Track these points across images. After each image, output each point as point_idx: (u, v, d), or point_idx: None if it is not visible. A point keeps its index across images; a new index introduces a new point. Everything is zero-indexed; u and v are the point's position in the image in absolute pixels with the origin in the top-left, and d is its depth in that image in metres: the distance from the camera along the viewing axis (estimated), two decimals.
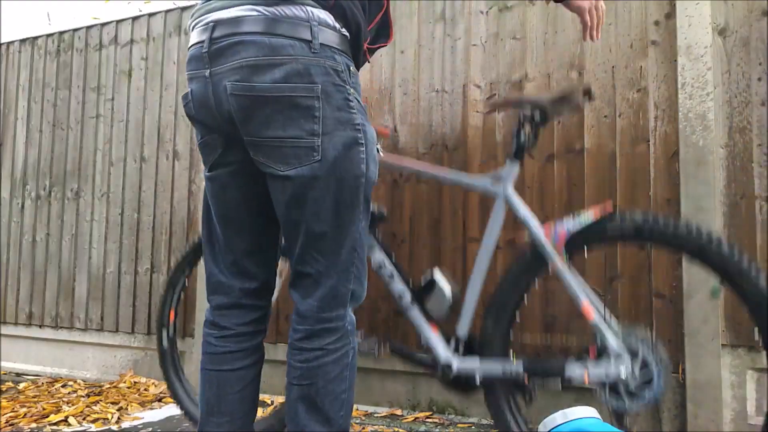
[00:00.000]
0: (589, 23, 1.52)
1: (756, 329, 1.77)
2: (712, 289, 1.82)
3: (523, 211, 1.60)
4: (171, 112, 2.91)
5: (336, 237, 1.17)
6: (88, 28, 3.21)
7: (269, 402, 2.40)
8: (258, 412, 1.35)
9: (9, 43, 3.48)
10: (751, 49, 1.90)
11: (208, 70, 1.16)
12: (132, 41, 3.07)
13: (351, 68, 1.20)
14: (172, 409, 2.35)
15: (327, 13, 1.17)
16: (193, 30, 1.21)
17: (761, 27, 1.89)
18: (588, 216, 1.53)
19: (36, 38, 3.38)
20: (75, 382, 2.86)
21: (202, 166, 1.32)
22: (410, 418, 2.18)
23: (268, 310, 1.34)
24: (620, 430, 1.31)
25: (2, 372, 3.10)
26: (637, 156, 2.02)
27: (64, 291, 3.10)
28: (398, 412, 2.25)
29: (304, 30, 1.13)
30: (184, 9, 2.97)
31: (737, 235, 1.88)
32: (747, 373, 1.84)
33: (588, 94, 1.60)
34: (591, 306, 1.50)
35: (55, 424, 2.17)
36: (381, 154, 1.24)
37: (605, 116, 2.08)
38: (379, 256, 1.76)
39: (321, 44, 1.14)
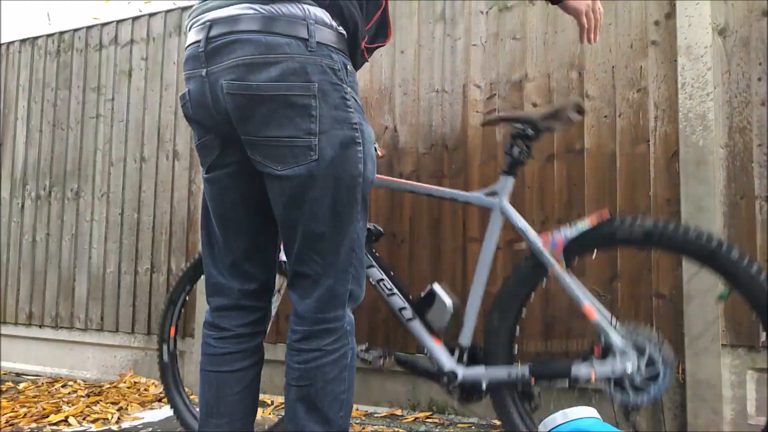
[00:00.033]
0: (585, 26, 1.52)
1: (765, 333, 1.78)
2: (720, 293, 1.83)
3: (521, 222, 1.63)
4: (171, 112, 2.91)
5: (334, 237, 1.17)
6: (88, 28, 3.21)
7: (269, 402, 2.40)
8: (258, 412, 1.35)
9: (9, 43, 3.48)
10: (751, 49, 1.90)
11: (205, 70, 1.15)
12: (132, 41, 3.07)
13: (348, 67, 1.19)
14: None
15: (324, 11, 1.16)
16: (190, 30, 1.21)
17: (761, 27, 1.89)
18: (585, 223, 1.55)
19: (36, 38, 3.38)
20: (75, 382, 2.86)
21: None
22: (410, 418, 2.18)
23: (268, 312, 1.34)
24: (620, 431, 1.31)
25: (2, 372, 3.10)
26: (637, 156, 2.02)
27: (64, 291, 3.10)
28: (398, 412, 2.25)
29: (300, 28, 1.12)
30: (184, 9, 2.97)
31: (737, 235, 1.87)
32: (747, 373, 1.84)
33: (579, 109, 1.62)
34: (592, 307, 1.52)
35: (55, 424, 2.17)
36: (379, 152, 1.24)
37: (605, 116, 2.08)
38: (377, 273, 1.75)
39: (318, 42, 1.13)
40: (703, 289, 1.85)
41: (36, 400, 2.49)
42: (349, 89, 1.17)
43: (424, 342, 1.70)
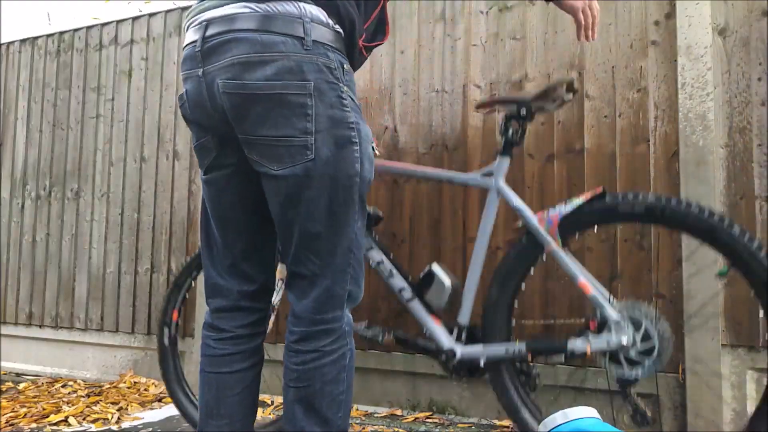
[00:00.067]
0: (583, 22, 1.52)
1: (762, 312, 1.78)
2: (719, 270, 1.82)
3: (516, 201, 1.66)
4: (171, 112, 2.91)
5: (331, 237, 1.17)
6: (88, 28, 3.21)
7: (269, 402, 2.40)
8: (258, 412, 1.34)
9: (9, 43, 3.48)
10: (751, 49, 1.90)
11: (201, 69, 1.15)
12: (132, 41, 3.07)
13: (345, 66, 1.19)
14: (172, 409, 2.35)
15: (320, 9, 1.16)
16: (187, 30, 1.21)
17: (761, 27, 1.89)
18: (579, 199, 1.58)
19: (36, 38, 3.38)
20: (75, 382, 2.86)
21: None
22: (410, 418, 2.18)
23: (267, 312, 1.34)
24: (620, 431, 1.31)
25: (2, 372, 3.10)
26: (637, 156, 2.02)
27: (64, 291, 3.10)
28: (398, 412, 2.25)
29: (296, 27, 1.12)
30: (184, 9, 2.97)
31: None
32: (747, 373, 1.84)
33: (570, 87, 1.64)
34: (587, 282, 1.55)
35: (55, 424, 2.17)
36: (377, 152, 1.25)
37: (605, 116, 2.08)
38: (377, 255, 1.78)
39: (314, 41, 1.13)
40: (703, 289, 1.85)
41: (36, 400, 2.49)
42: (345, 88, 1.17)
43: (424, 321, 1.73)
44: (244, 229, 1.27)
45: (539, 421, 1.64)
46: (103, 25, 3.17)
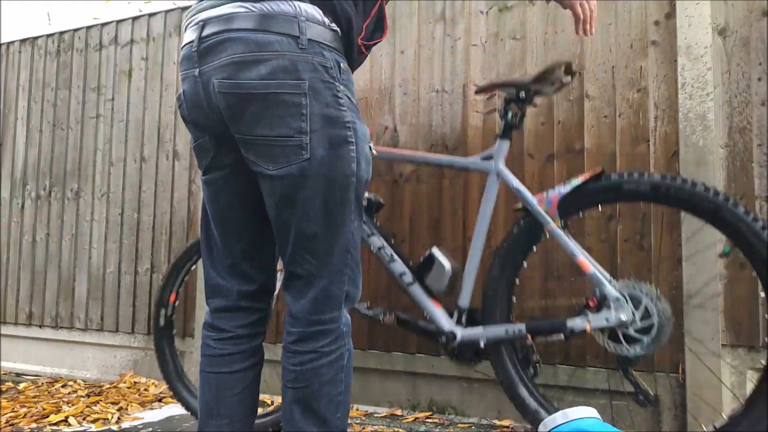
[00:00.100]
0: (581, 16, 1.52)
1: (762, 295, 1.79)
2: (722, 250, 1.83)
3: (516, 182, 1.69)
4: (171, 112, 2.91)
5: (327, 237, 1.16)
6: (88, 28, 3.21)
7: (269, 402, 2.40)
8: (258, 412, 1.34)
9: (9, 43, 3.48)
10: (751, 49, 1.90)
11: (198, 69, 1.15)
12: (132, 41, 3.07)
13: (342, 65, 1.18)
14: (172, 409, 2.35)
15: (315, 8, 1.16)
16: (186, 30, 1.21)
17: (761, 27, 1.89)
18: (578, 179, 1.61)
19: (36, 38, 3.38)
20: (75, 382, 2.86)
21: None
22: (410, 418, 2.18)
23: (267, 313, 1.34)
24: (620, 431, 1.31)
25: (2, 372, 3.10)
26: (637, 156, 2.02)
27: (64, 291, 3.10)
28: (398, 412, 2.25)
29: (291, 26, 1.12)
30: (184, 9, 2.97)
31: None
32: (747, 373, 1.84)
33: (568, 70, 1.65)
34: (586, 260, 1.58)
35: (55, 424, 2.17)
36: (374, 152, 1.26)
37: (605, 116, 2.07)
38: (378, 241, 1.81)
39: (309, 40, 1.13)
40: (703, 289, 1.85)
41: (36, 400, 2.49)
42: (342, 87, 1.17)
43: (424, 305, 1.76)
44: (243, 229, 1.27)
45: (536, 399, 1.67)
46: (103, 25, 3.17)
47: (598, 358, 2.00)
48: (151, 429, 2.12)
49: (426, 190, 2.32)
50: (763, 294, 1.82)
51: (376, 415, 2.22)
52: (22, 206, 3.29)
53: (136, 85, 3.03)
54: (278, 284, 1.80)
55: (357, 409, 2.29)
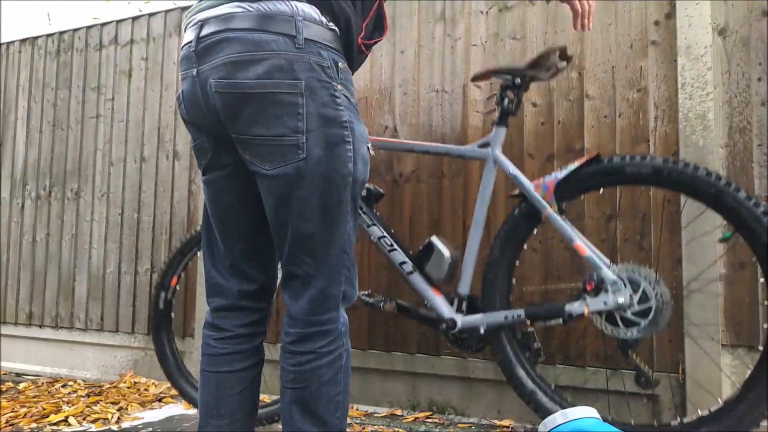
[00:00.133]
0: (579, 11, 1.52)
1: (761, 281, 1.80)
2: (723, 234, 1.83)
3: (512, 168, 1.71)
4: (171, 112, 2.91)
5: (323, 237, 1.16)
6: (88, 28, 3.21)
7: (268, 402, 2.39)
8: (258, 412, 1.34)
9: (9, 43, 3.48)
10: (751, 49, 1.90)
11: (196, 69, 1.16)
12: (132, 41, 3.07)
13: (339, 64, 1.18)
14: (172, 409, 2.35)
15: (313, 7, 1.16)
16: (185, 30, 1.21)
17: (761, 27, 1.89)
18: (574, 163, 1.63)
19: (36, 38, 3.38)
20: (75, 382, 2.86)
21: None
22: (410, 418, 2.18)
23: (268, 312, 1.34)
24: (619, 431, 1.30)
25: (2, 372, 3.10)
26: None
27: (64, 291, 3.10)
28: (398, 412, 2.25)
29: (288, 25, 1.12)
30: (184, 9, 2.97)
31: (737, 234, 1.87)
32: (747, 373, 1.84)
33: (564, 55, 1.66)
34: (583, 244, 1.60)
35: (55, 424, 2.17)
36: (372, 153, 1.26)
37: (605, 116, 2.07)
38: (377, 230, 1.83)
39: (306, 39, 1.13)
40: (703, 289, 1.85)
41: (36, 400, 2.49)
42: (339, 86, 1.16)
43: (425, 293, 1.78)
44: (243, 229, 1.27)
45: (533, 381, 1.68)
46: (103, 25, 3.17)
47: (598, 358, 2.00)
48: (151, 429, 2.12)
49: (426, 190, 2.32)
50: (762, 296, 1.82)
51: (376, 415, 2.22)
52: (22, 206, 3.29)
53: (136, 85, 3.03)
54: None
55: (357, 409, 2.29)
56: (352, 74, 1.26)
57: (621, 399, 1.93)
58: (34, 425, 2.15)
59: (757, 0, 1.90)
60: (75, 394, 2.60)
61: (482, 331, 1.71)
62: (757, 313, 1.82)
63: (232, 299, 1.28)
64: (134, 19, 3.08)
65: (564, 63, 1.69)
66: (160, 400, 2.49)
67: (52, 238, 3.16)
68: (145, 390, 2.64)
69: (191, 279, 2.70)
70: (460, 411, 2.20)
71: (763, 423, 1.76)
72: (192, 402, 2.15)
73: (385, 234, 1.83)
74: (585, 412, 1.26)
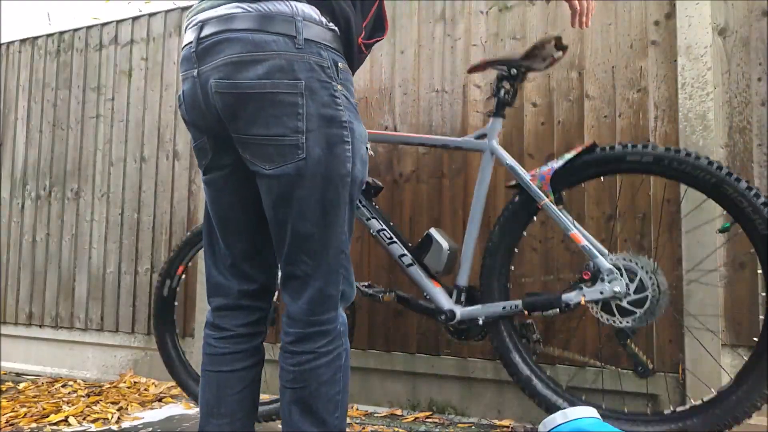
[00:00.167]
0: (578, 9, 1.53)
1: (759, 272, 1.80)
2: (722, 225, 1.83)
3: (509, 159, 1.73)
4: (171, 112, 2.91)
5: (322, 237, 1.17)
6: (88, 28, 3.21)
7: (268, 401, 2.39)
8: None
9: (9, 43, 3.48)
10: (751, 49, 1.90)
11: (196, 70, 1.16)
12: (132, 41, 3.07)
13: (339, 64, 1.19)
14: (172, 409, 2.35)
15: (312, 8, 1.16)
16: (186, 31, 1.22)
17: (761, 27, 1.89)
18: (570, 153, 1.64)
19: (36, 38, 3.38)
20: (75, 382, 2.86)
21: None
22: (410, 418, 2.18)
23: (268, 312, 1.34)
24: (619, 430, 1.31)
25: (2, 372, 3.10)
26: None
27: (64, 291, 3.10)
28: (398, 412, 2.25)
29: (287, 25, 1.12)
30: (184, 9, 2.97)
31: (737, 234, 1.87)
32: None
33: (559, 44, 1.67)
34: (579, 234, 1.61)
35: (55, 424, 2.17)
36: (371, 153, 1.27)
37: (605, 116, 2.08)
38: (377, 223, 1.84)
39: (306, 39, 1.13)
40: (703, 289, 1.85)
41: (36, 400, 2.49)
42: (339, 87, 1.17)
43: (424, 285, 1.79)
44: (243, 229, 1.27)
45: (529, 366, 1.69)
46: (103, 25, 3.17)
47: (598, 358, 2.00)
48: (151, 429, 2.12)
49: (426, 190, 2.32)
50: (760, 287, 1.82)
51: (376, 415, 2.22)
52: (22, 206, 3.29)
53: (136, 85, 3.03)
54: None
55: (357, 409, 2.29)
56: (352, 74, 1.26)
57: (619, 398, 1.93)
58: (34, 425, 2.15)
59: (757, 0, 1.90)
60: (75, 394, 2.60)
61: (481, 321, 1.72)
62: (757, 313, 1.82)
63: (232, 299, 1.29)
64: (134, 19, 3.08)
65: (560, 53, 1.71)
66: (160, 400, 2.49)
67: (52, 238, 3.16)
68: (145, 390, 2.64)
69: (191, 279, 2.70)
70: (460, 411, 2.20)
71: (763, 423, 1.77)
72: (188, 392, 2.17)
73: (384, 227, 1.84)
74: (585, 412, 1.26)
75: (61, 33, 3.30)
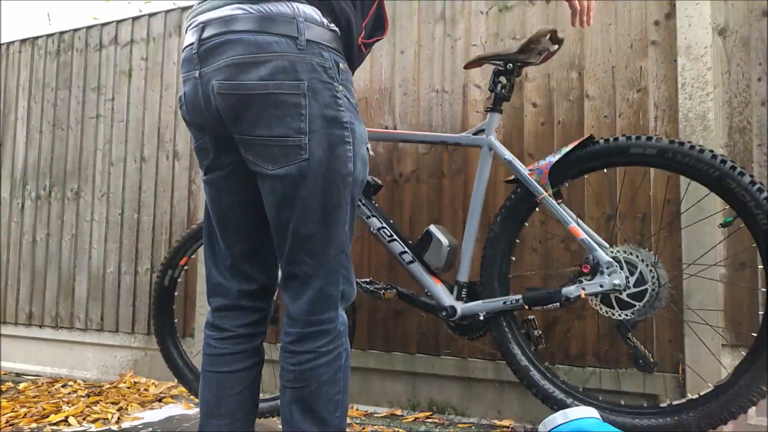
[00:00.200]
0: (578, 8, 1.53)
1: (760, 268, 1.80)
2: (723, 220, 1.83)
3: (507, 154, 1.74)
4: (171, 112, 2.91)
5: (323, 238, 1.17)
6: (88, 28, 3.21)
7: (267, 398, 2.39)
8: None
9: (9, 43, 3.48)
10: (751, 49, 1.90)
11: (198, 71, 1.16)
12: (132, 41, 3.07)
13: (340, 65, 1.19)
14: (172, 409, 2.35)
15: (314, 8, 1.16)
16: (186, 32, 1.22)
17: (761, 27, 1.89)
18: (567, 147, 1.64)
19: (36, 38, 3.38)
20: (75, 382, 2.86)
21: None
22: (410, 418, 2.18)
23: (268, 312, 1.34)
24: (619, 431, 1.31)
25: (2, 372, 3.10)
26: None
27: (64, 291, 3.10)
28: (398, 412, 2.25)
29: (289, 27, 1.13)
30: (184, 9, 2.97)
31: (737, 234, 1.87)
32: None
33: (554, 38, 1.68)
34: (577, 227, 1.61)
35: (55, 424, 2.17)
36: (371, 153, 1.27)
37: (605, 116, 2.07)
38: (377, 221, 1.85)
39: (308, 40, 1.13)
40: (703, 289, 1.85)
41: (36, 400, 2.49)
42: (340, 87, 1.17)
43: (424, 282, 1.80)
44: (243, 229, 1.28)
45: (527, 357, 1.70)
46: (103, 25, 3.17)
47: (598, 358, 2.00)
48: (151, 429, 2.12)
49: (426, 190, 2.32)
50: (761, 282, 1.82)
51: (376, 415, 2.23)
52: (22, 206, 3.29)
53: (136, 85, 3.03)
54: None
55: (357, 409, 2.29)
56: (352, 74, 1.26)
57: (618, 398, 1.93)
58: (34, 425, 2.15)
59: (757, 0, 1.90)
60: (75, 394, 2.60)
61: (482, 317, 1.73)
62: (757, 313, 1.82)
63: (232, 299, 1.29)
64: (134, 19, 3.08)
65: (555, 46, 1.71)
66: (160, 400, 2.49)
67: (52, 238, 3.16)
68: (145, 390, 2.64)
69: (191, 279, 2.70)
70: (460, 411, 2.20)
71: (763, 423, 1.77)
72: (184, 383, 2.19)
73: (384, 225, 1.84)
74: (585, 412, 1.26)
75: (61, 33, 3.29)
